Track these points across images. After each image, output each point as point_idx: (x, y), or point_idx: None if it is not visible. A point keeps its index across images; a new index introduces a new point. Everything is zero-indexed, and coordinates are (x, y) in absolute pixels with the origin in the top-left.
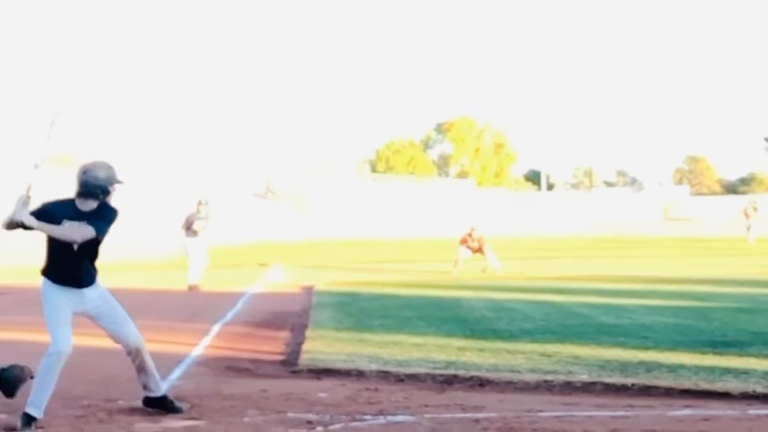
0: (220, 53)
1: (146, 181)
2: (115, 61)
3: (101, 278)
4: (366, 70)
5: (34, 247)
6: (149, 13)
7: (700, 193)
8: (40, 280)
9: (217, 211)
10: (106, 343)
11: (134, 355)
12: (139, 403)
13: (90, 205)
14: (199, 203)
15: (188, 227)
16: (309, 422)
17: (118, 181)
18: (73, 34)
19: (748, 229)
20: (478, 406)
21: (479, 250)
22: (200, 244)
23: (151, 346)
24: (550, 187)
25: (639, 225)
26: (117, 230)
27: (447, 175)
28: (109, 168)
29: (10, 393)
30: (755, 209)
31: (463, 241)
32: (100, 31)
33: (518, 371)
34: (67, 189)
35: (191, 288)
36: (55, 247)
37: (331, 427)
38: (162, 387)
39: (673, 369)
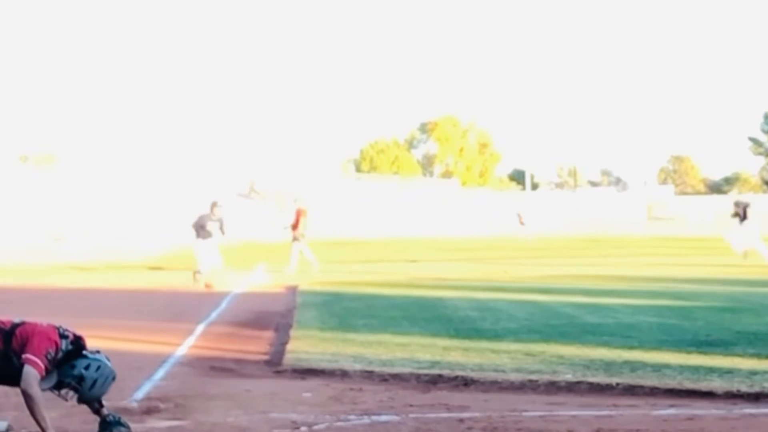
0: (204, 54)
1: (130, 182)
2: (96, 63)
3: (88, 279)
4: (350, 69)
5: None
6: (129, 14)
7: (684, 193)
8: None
9: (229, 214)
10: (92, 343)
11: None
12: (123, 404)
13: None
14: (214, 205)
15: (201, 227)
16: (293, 422)
17: None
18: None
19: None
20: (463, 405)
21: None
22: (211, 245)
23: (135, 345)
24: (534, 186)
25: (623, 224)
26: (102, 231)
27: (431, 174)
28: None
29: None
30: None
31: None
32: (82, 30)
33: (503, 371)
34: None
35: (207, 286)
36: None
37: (315, 427)
38: None
39: (658, 368)
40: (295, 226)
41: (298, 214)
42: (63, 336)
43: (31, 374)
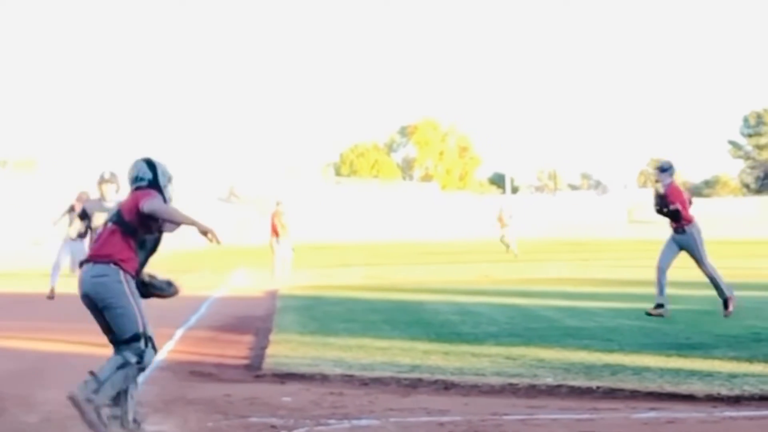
0: (183, 59)
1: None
2: (76, 67)
3: (68, 284)
4: (330, 73)
5: None
6: (107, 19)
7: None
8: None
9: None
10: (68, 348)
11: None
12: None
13: None
14: (278, 204)
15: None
16: (273, 427)
17: None
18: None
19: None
20: (443, 409)
21: None
22: (285, 246)
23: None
24: (514, 190)
25: (603, 227)
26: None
27: (411, 178)
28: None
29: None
30: (510, 216)
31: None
32: (61, 34)
33: (483, 374)
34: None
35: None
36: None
37: None
38: None
39: (638, 371)
40: (274, 231)
41: (272, 217)
42: None
43: (154, 204)
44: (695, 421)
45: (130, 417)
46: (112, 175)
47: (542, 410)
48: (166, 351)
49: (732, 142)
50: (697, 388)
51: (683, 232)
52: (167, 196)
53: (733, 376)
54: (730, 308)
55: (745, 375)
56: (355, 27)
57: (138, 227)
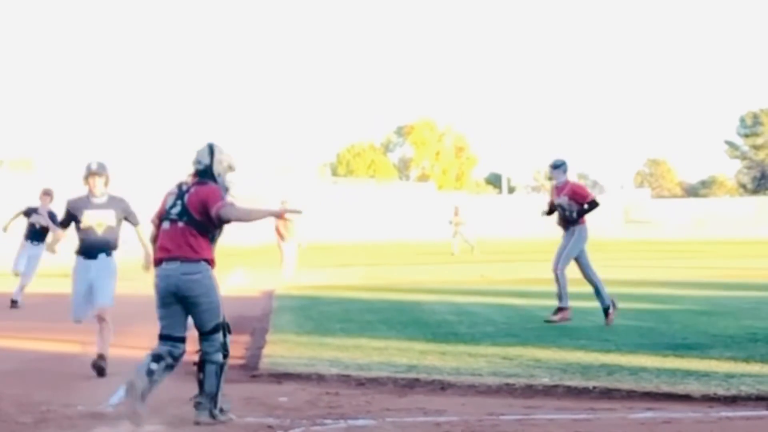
0: (178, 59)
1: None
2: (72, 67)
3: (65, 284)
4: (326, 73)
5: None
6: (102, 19)
7: (660, 196)
8: None
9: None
10: (64, 348)
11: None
12: (98, 409)
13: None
14: (283, 203)
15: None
16: (269, 427)
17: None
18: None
19: (454, 235)
20: (440, 409)
21: None
22: (292, 245)
23: (110, 350)
24: (511, 190)
25: (600, 227)
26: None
27: (408, 178)
28: None
29: None
30: (457, 215)
31: None
32: (57, 35)
33: (480, 374)
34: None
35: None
36: None
37: None
38: None
39: (635, 372)
40: (278, 232)
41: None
42: None
43: (227, 211)
44: (692, 421)
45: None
46: (101, 166)
47: (539, 410)
48: None
49: (729, 143)
50: (694, 388)
51: (569, 230)
52: (222, 185)
53: (729, 376)
54: (611, 315)
55: (742, 375)
56: (352, 27)
57: (209, 225)
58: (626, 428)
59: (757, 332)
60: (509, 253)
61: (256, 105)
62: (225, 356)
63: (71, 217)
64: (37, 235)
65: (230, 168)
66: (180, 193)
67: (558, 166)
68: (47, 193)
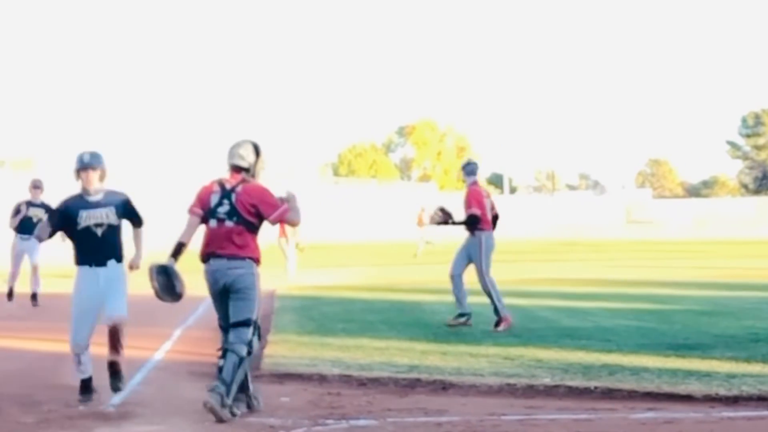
0: (180, 58)
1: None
2: (72, 66)
3: (65, 284)
4: (328, 74)
5: None
6: (102, 19)
7: (662, 196)
8: None
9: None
10: (66, 348)
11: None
12: (100, 409)
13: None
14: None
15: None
16: (271, 427)
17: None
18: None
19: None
20: (441, 409)
21: None
22: (292, 245)
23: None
24: (512, 190)
25: (601, 228)
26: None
27: (409, 178)
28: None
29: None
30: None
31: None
32: (56, 35)
33: (481, 375)
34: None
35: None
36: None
37: None
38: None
39: (636, 372)
40: (282, 231)
41: None
42: None
43: (286, 217)
44: (693, 422)
45: (254, 398)
46: (94, 157)
47: (540, 410)
48: (164, 351)
49: (730, 143)
50: (695, 388)
51: (473, 237)
52: (258, 181)
53: (731, 376)
54: (501, 328)
55: (743, 375)
56: (353, 27)
57: (258, 225)
58: (628, 428)
59: (758, 332)
60: (510, 253)
61: (257, 105)
62: (249, 353)
63: (64, 221)
64: (29, 227)
65: (264, 168)
66: (225, 192)
67: (466, 167)
68: (37, 186)
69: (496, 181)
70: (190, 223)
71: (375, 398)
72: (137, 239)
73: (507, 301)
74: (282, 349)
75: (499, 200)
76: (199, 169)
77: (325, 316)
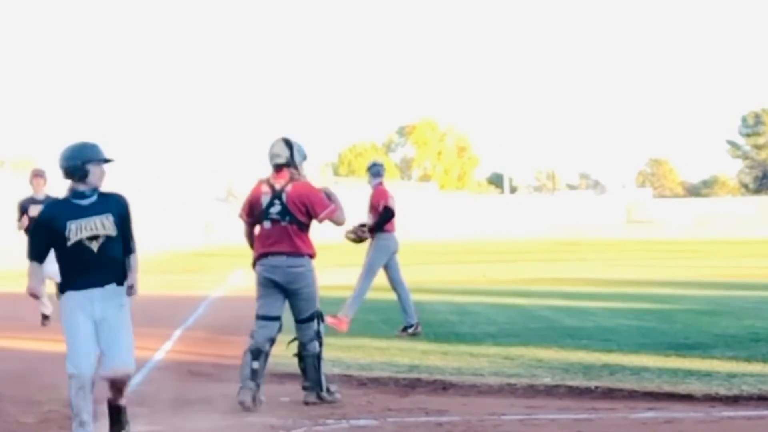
0: (181, 59)
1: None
2: (71, 67)
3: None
4: (328, 73)
5: None
6: (102, 20)
7: (662, 196)
8: None
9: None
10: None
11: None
12: (101, 408)
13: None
14: None
15: None
16: (272, 426)
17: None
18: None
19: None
20: (442, 409)
21: None
22: None
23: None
24: (513, 190)
25: (602, 227)
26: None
27: (409, 178)
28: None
29: None
30: None
31: None
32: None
33: (481, 374)
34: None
35: None
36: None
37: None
38: None
39: (637, 372)
40: None
41: None
42: None
43: (334, 216)
44: (693, 421)
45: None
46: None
47: (541, 410)
48: (164, 351)
49: (730, 142)
50: (696, 387)
51: (375, 237)
52: (302, 172)
53: (731, 375)
54: (329, 321)
55: (744, 375)
56: (354, 27)
57: (310, 222)
58: (628, 428)
59: (759, 332)
60: (511, 252)
61: (258, 105)
62: (320, 344)
63: (48, 236)
64: None
65: (305, 157)
66: (276, 192)
67: (369, 169)
68: (39, 174)
69: (497, 180)
70: (246, 232)
71: (375, 398)
72: (130, 268)
73: (506, 300)
74: (282, 349)
75: (499, 200)
76: (199, 170)
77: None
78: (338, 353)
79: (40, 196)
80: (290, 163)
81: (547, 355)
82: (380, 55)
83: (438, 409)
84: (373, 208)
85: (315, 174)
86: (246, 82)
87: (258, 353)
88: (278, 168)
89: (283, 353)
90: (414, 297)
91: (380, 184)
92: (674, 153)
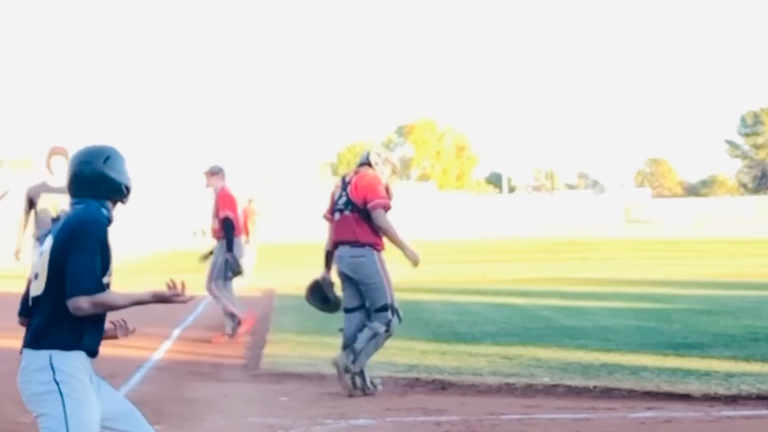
0: (179, 58)
1: None
2: (70, 67)
3: None
4: (327, 73)
5: None
6: (102, 19)
7: (661, 196)
8: None
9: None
10: None
11: None
12: None
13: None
14: (250, 201)
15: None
16: (271, 426)
17: None
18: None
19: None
20: (440, 409)
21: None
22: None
23: (111, 350)
24: (511, 189)
25: (600, 227)
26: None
27: (408, 177)
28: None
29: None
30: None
31: None
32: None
33: (480, 374)
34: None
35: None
36: None
37: (292, 431)
38: None
39: (635, 371)
40: (245, 230)
41: (246, 214)
42: None
43: (380, 219)
44: (692, 421)
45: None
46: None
47: (539, 410)
48: (163, 351)
49: (729, 142)
50: (694, 387)
51: (220, 241)
52: (382, 177)
53: (730, 375)
54: (242, 330)
55: (742, 374)
56: (353, 27)
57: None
58: (627, 428)
59: (757, 331)
60: (509, 252)
61: (256, 105)
62: (386, 331)
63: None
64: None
65: (386, 161)
66: (344, 184)
67: (215, 173)
68: (57, 152)
69: (495, 180)
70: (328, 230)
71: (374, 398)
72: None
73: (505, 300)
74: (281, 349)
75: (498, 200)
76: (198, 168)
77: (324, 315)
78: (337, 353)
79: (56, 183)
80: (366, 163)
81: (545, 354)
82: (379, 54)
83: (437, 409)
84: (220, 210)
85: (314, 173)
86: (246, 82)
87: (345, 348)
88: (358, 167)
89: (280, 353)
90: (413, 296)
91: (223, 188)
92: (673, 153)
